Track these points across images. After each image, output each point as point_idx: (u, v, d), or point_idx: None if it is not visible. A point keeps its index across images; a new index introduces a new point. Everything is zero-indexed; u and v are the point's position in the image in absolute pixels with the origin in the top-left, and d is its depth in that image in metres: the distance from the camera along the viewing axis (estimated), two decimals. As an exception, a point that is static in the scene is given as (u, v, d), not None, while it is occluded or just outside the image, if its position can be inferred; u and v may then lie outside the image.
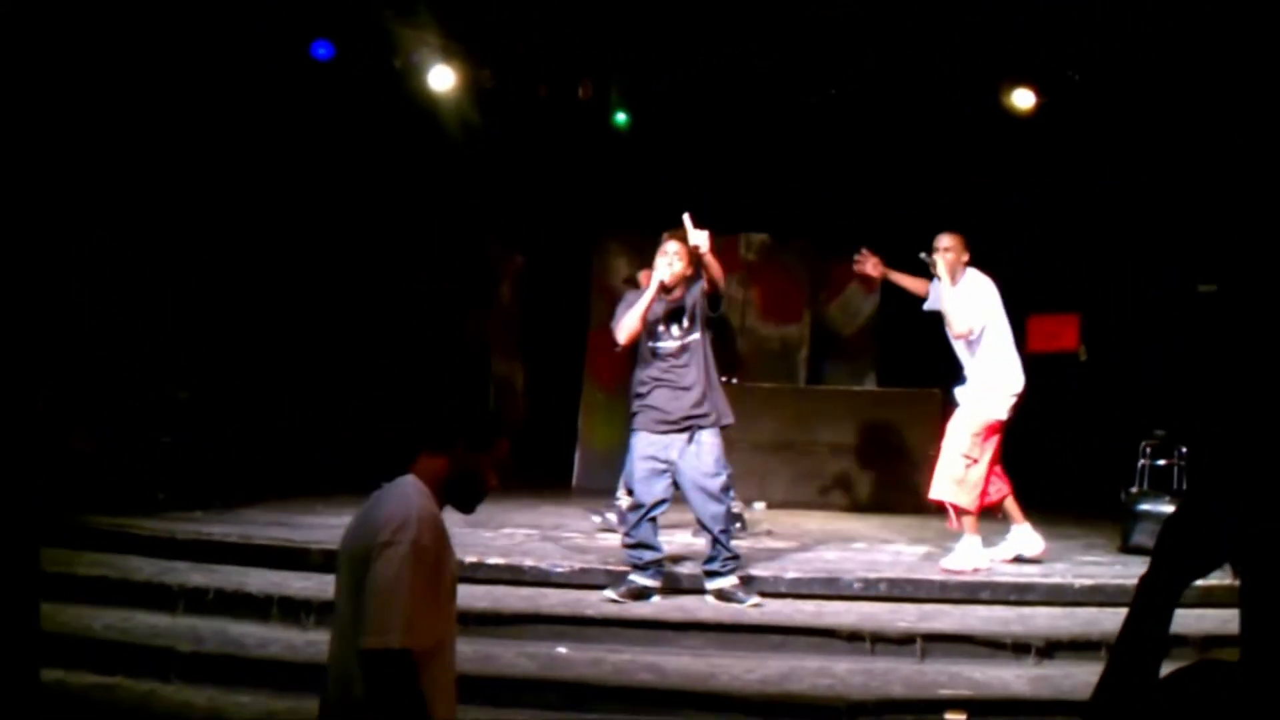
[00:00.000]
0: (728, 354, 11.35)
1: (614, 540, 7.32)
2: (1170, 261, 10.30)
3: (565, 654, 6.03)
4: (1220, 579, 1.59)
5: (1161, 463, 8.72)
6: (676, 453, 6.57)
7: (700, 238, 6.39)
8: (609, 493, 10.40)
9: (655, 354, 6.64)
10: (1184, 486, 8.54)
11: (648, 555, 6.58)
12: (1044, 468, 10.11)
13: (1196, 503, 1.60)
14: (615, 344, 6.79)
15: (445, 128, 10.03)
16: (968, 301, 7.23)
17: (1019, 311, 10.85)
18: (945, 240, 7.34)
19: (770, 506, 9.86)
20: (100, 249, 8.62)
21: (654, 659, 6.00)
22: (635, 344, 6.76)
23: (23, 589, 4.10)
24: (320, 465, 9.58)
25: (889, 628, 6.26)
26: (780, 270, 11.54)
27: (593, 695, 5.60)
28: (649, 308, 6.55)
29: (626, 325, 6.60)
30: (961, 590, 6.83)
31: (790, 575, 6.92)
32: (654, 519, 6.59)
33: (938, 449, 7.46)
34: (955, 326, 7.23)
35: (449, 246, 11.15)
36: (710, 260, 6.46)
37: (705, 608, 6.56)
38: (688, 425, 6.60)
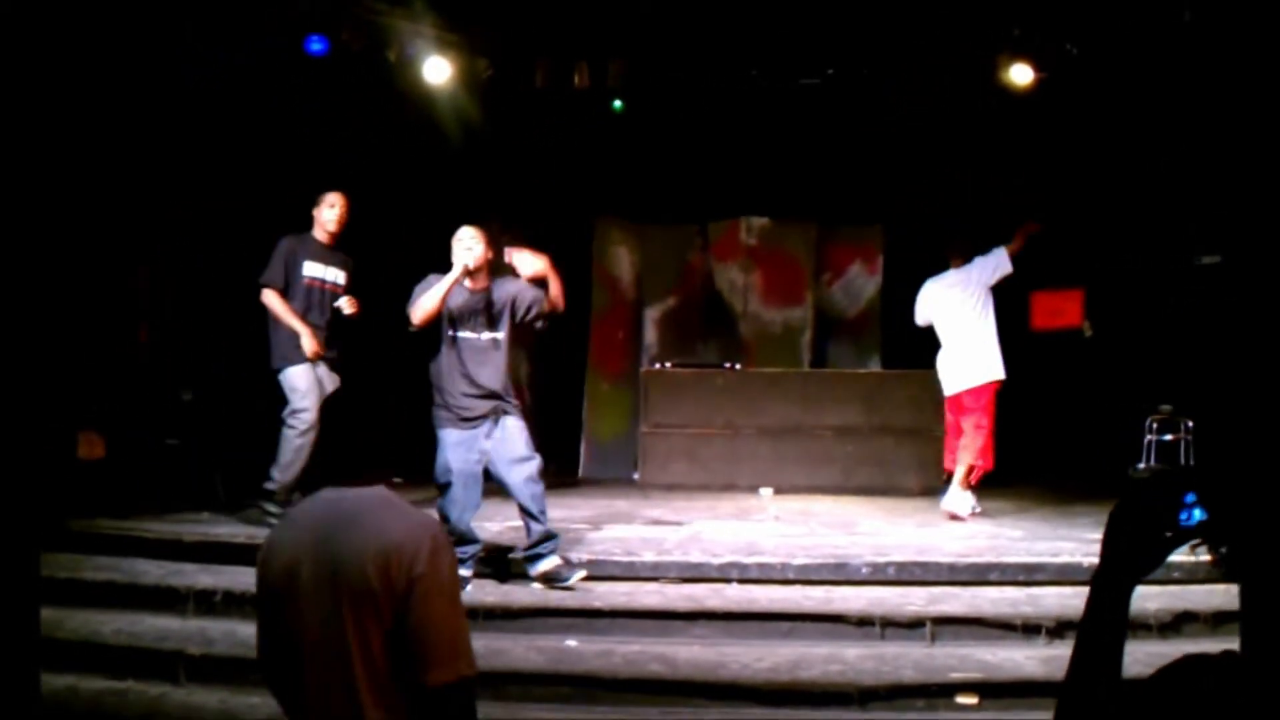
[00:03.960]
0: (730, 339, 11.38)
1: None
2: (1172, 234, 10.26)
3: (575, 647, 6.02)
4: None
5: (1168, 437, 8.72)
6: (485, 441, 6.58)
7: (535, 264, 6.58)
8: (616, 483, 10.41)
9: (455, 343, 6.60)
10: (1191, 460, 8.52)
11: (470, 549, 6.59)
12: (1051, 445, 10.11)
13: (1138, 497, 1.58)
14: (410, 324, 6.65)
15: (441, 117, 10.02)
16: None
17: (1023, 289, 10.90)
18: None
19: (777, 492, 9.85)
20: (101, 253, 8.60)
21: (664, 649, 5.98)
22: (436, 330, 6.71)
23: (22, 594, 4.08)
24: (326, 462, 9.53)
25: (898, 612, 6.24)
26: (781, 254, 11.51)
27: (604, 687, 5.58)
28: (449, 292, 6.51)
29: (423, 306, 6.50)
30: (970, 572, 6.81)
31: (798, 561, 6.89)
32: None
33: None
34: None
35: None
36: (554, 282, 6.63)
37: (714, 596, 6.54)
38: (490, 412, 6.60)
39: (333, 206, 7.72)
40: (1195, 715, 1.44)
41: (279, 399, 7.74)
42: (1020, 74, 9.68)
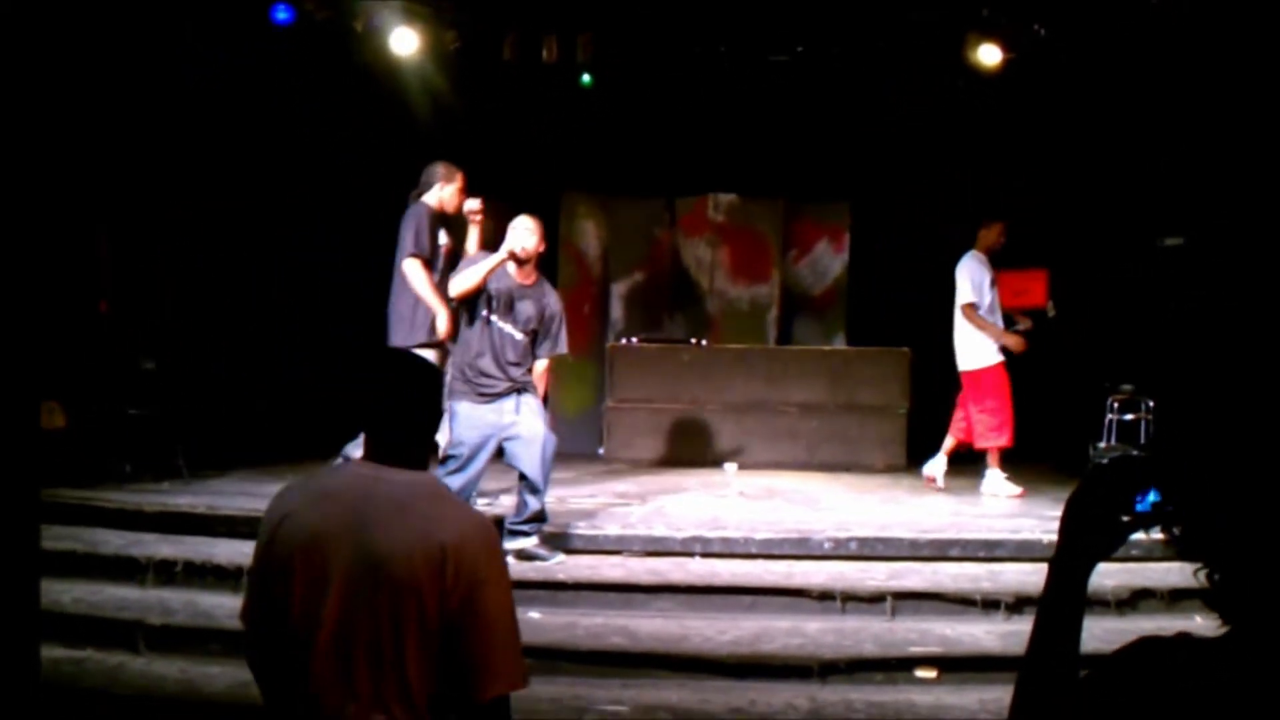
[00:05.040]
0: (697, 315, 11.38)
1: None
2: (1136, 216, 10.32)
3: (538, 619, 6.03)
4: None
5: (1129, 417, 8.79)
6: (503, 417, 6.62)
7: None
8: (581, 458, 10.41)
9: (489, 326, 6.65)
10: (1151, 440, 8.60)
11: None
12: (1014, 423, 10.17)
13: (1096, 481, 1.59)
14: (449, 297, 6.73)
15: (408, 89, 9.96)
16: None
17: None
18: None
19: (742, 467, 9.88)
20: (60, 222, 8.50)
21: (626, 622, 6.01)
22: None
23: (22, 571, 4.03)
24: (287, 433, 9.50)
25: (859, 587, 6.30)
26: (749, 230, 11.50)
27: (567, 659, 5.60)
28: (492, 272, 6.53)
29: (465, 280, 6.54)
30: (931, 548, 6.88)
31: (761, 536, 6.93)
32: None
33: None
34: None
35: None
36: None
37: (677, 570, 6.57)
38: (507, 391, 6.65)
39: (463, 193, 7.34)
40: (1152, 698, 1.45)
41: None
42: (988, 54, 9.70)
